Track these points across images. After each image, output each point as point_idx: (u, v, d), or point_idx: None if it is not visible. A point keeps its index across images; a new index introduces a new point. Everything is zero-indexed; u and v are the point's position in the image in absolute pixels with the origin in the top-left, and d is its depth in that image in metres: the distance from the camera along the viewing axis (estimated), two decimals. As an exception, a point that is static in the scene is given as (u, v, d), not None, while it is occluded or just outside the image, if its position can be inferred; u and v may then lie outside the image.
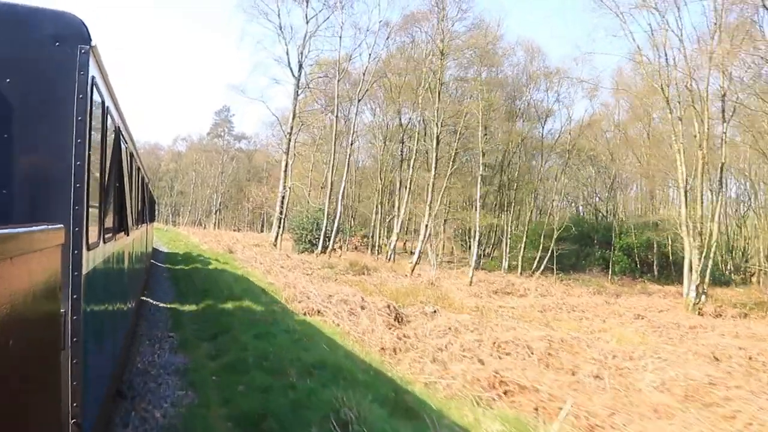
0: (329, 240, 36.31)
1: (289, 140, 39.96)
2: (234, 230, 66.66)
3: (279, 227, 40.51)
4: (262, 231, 71.51)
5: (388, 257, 38.28)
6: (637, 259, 43.80)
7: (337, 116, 34.70)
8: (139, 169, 8.97)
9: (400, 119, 40.34)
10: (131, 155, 6.86)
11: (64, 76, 3.21)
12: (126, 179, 5.82)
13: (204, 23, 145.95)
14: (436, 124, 29.56)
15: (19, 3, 3.28)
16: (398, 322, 13.35)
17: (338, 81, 34.96)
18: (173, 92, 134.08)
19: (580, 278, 39.10)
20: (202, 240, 39.83)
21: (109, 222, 4.56)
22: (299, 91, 40.27)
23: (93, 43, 3.31)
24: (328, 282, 19.94)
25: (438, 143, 30.81)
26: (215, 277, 16.88)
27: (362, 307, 13.46)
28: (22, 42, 3.18)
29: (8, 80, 3.10)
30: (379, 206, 47.82)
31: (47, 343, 2.22)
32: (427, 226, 28.87)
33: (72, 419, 2.95)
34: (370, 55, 37.52)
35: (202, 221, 74.14)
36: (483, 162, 30.06)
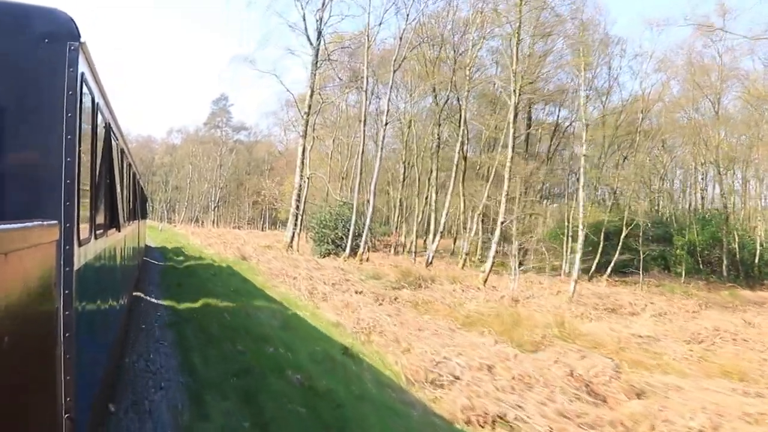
0: (358, 240, 31.28)
1: (307, 121, 35.19)
2: (235, 228, 58.44)
3: (295, 225, 35.28)
4: (266, 229, 63.28)
5: (428, 261, 32.66)
6: (699, 258, 38.31)
7: (366, 91, 26.91)
8: (130, 165, 8.98)
9: (435, 97, 32.41)
10: (122, 151, 6.93)
11: (54, 72, 3.14)
12: (117, 175, 5.79)
13: (202, 23, 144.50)
14: (514, 91, 21.71)
15: (8, 0, 3.20)
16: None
17: (368, 48, 27.08)
18: (168, 84, 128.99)
19: (648, 282, 34.44)
20: (205, 242, 35.26)
21: (100, 218, 4.51)
22: (318, 64, 34.98)
23: (82, 40, 3.24)
24: (402, 308, 15.47)
25: (516, 116, 23.03)
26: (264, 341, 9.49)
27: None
28: (10, 39, 3.11)
29: None
30: (403, 200, 44.43)
31: (42, 339, 2.24)
32: (502, 223, 21.12)
33: (66, 414, 2.86)
34: (408, 15, 31.81)
35: (199, 218, 65.51)
36: (586, 138, 22.33)
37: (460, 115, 34.33)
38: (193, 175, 72.55)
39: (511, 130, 24.64)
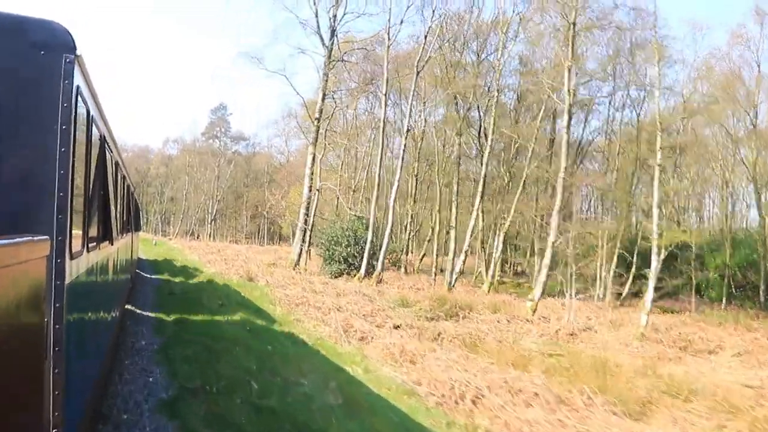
0: (374, 259, 28.69)
1: (318, 127, 32.22)
2: (233, 242, 54.86)
3: (303, 241, 32.36)
4: (265, 244, 59.86)
5: (451, 285, 29.85)
6: (731, 282, 34.46)
7: (386, 94, 23.73)
8: (124, 177, 9.10)
9: (456, 105, 29.17)
10: (116, 164, 6.90)
11: (49, 84, 3.14)
12: (111, 188, 5.78)
13: (199, 29, 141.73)
14: (569, 91, 18.48)
15: (3, 11, 3.22)
16: None
17: (388, 47, 23.93)
18: (164, 93, 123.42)
19: (686, 309, 30.45)
20: (203, 258, 32.52)
21: (93, 231, 4.53)
22: (331, 65, 31.76)
23: (78, 52, 3.26)
24: (456, 348, 12.89)
25: (570, 118, 19.87)
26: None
27: None
28: (6, 50, 3.12)
29: None
30: (414, 216, 43.19)
31: (30, 354, 2.24)
32: (553, 244, 17.79)
33: (54, 429, 2.85)
34: (434, 11, 29.30)
35: (195, 231, 61.84)
36: (661, 145, 19.13)
37: (480, 125, 31.16)
38: (190, 186, 69.05)
39: (565, 137, 21.27)
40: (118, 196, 7.20)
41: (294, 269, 29.95)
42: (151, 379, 6.85)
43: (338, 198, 36.30)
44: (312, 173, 31.08)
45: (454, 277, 29.18)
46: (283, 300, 15.85)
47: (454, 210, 33.34)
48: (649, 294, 20.13)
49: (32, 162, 3.06)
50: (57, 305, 2.94)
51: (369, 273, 27.55)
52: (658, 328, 19.61)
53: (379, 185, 28.90)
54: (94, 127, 4.29)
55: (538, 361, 13.14)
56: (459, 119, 32.71)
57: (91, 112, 4.07)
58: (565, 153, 21.86)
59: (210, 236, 67.47)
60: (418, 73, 27.72)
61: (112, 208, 5.98)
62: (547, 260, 20.99)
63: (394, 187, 27.74)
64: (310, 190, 31.08)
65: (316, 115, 31.32)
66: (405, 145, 29.13)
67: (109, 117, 5.42)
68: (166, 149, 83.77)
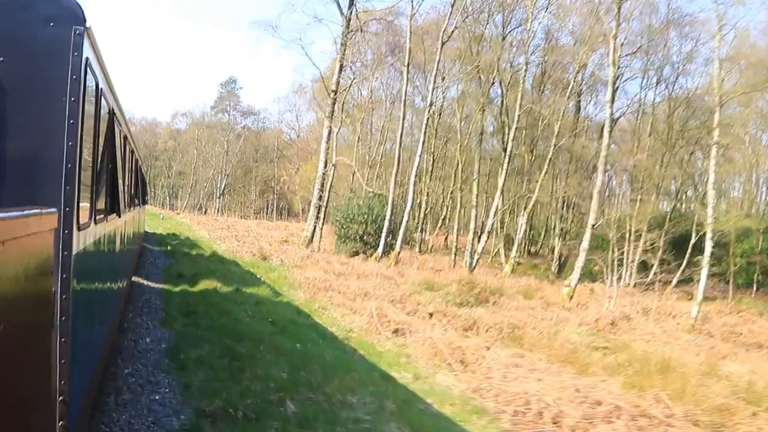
0: (393, 238, 27.39)
1: (335, 100, 30.33)
2: (242, 218, 53.63)
3: (317, 218, 30.64)
4: (275, 219, 58.55)
5: (472, 266, 28.22)
6: (757, 268, 33.23)
7: (408, 66, 22.04)
8: (132, 151, 9.03)
9: (480, 80, 27.48)
10: (125, 137, 6.89)
11: (58, 57, 3.11)
12: (119, 162, 5.85)
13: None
14: (613, 62, 16.84)
15: None
16: None
17: (411, 16, 22.36)
18: (174, 68, 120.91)
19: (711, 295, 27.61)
20: (213, 234, 31.09)
21: (101, 203, 4.54)
22: (349, 35, 29.67)
23: (88, 25, 3.21)
24: (495, 340, 11.48)
25: (615, 91, 18.35)
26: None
27: None
28: (15, 22, 3.09)
29: (1, 59, 3.01)
30: (430, 194, 41.93)
31: (38, 325, 2.26)
32: (593, 227, 16.33)
33: (59, 396, 2.88)
34: None
35: (202, 206, 60.51)
36: (720, 121, 17.52)
37: (502, 102, 29.45)
38: (198, 160, 67.45)
39: (608, 111, 19.56)
40: (126, 169, 7.16)
41: (307, 247, 28.58)
42: (157, 397, 5.37)
43: (354, 174, 34.60)
44: (328, 148, 29.49)
45: (475, 258, 27.66)
46: (303, 284, 14.43)
47: (475, 188, 31.73)
48: (702, 282, 18.70)
49: (41, 134, 3.06)
50: (64, 276, 2.96)
51: (386, 252, 26.10)
52: (705, 319, 18.12)
53: (399, 161, 27.26)
54: (103, 100, 4.24)
55: (593, 359, 11.69)
56: (482, 95, 30.91)
57: (101, 85, 4.03)
58: (608, 130, 20.20)
59: (218, 211, 66.19)
60: (443, 44, 25.91)
61: (120, 181, 5.97)
62: (585, 243, 19.50)
63: (416, 163, 26.27)
64: (326, 166, 29.52)
65: (333, 88, 29.66)
66: (428, 119, 27.41)
67: (118, 89, 5.31)
68: (175, 123, 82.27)
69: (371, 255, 27.82)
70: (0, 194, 2.96)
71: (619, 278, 25.31)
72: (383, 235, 27.31)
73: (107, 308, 5.47)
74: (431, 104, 27.17)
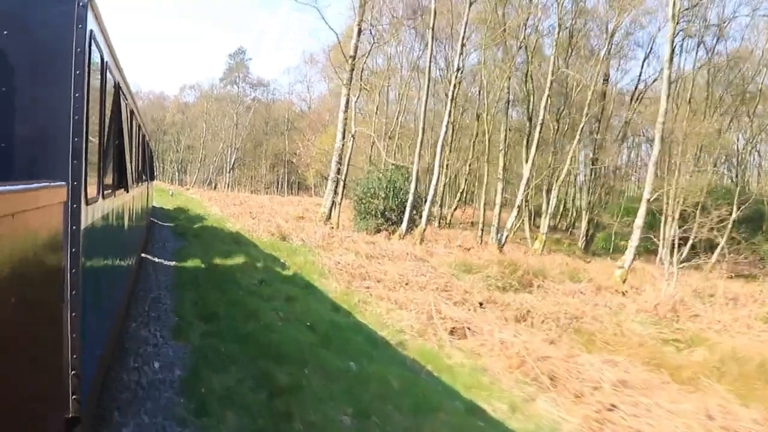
0: (416, 213, 25.65)
1: (353, 66, 27.97)
2: (253, 192, 51.94)
3: (335, 193, 28.67)
4: (286, 194, 56.74)
5: (501, 243, 26.30)
6: None
7: (433, 28, 19.80)
8: (139, 126, 8.96)
9: (506, 45, 25.46)
10: (131, 112, 6.88)
11: (62, 29, 3.08)
12: (126, 136, 5.72)
13: None
14: (673, 17, 14.51)
15: None
16: None
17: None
18: (181, 39, 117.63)
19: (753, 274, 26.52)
20: (225, 210, 29.15)
21: (108, 178, 4.54)
22: None
23: None
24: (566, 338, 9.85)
25: (673, 51, 16.16)
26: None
27: None
28: None
29: (5, 33, 3.00)
30: (449, 165, 38.28)
31: (48, 298, 2.27)
32: (648, 201, 14.28)
33: (72, 371, 2.91)
34: None
35: (212, 181, 58.77)
36: None
37: (528, 69, 27.18)
38: (207, 134, 65.32)
39: (667, 73, 17.30)
40: (133, 144, 7.14)
41: (325, 224, 26.68)
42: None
43: (373, 145, 32.50)
44: (345, 117, 27.41)
45: (504, 234, 25.72)
46: (334, 270, 12.59)
47: (501, 160, 29.60)
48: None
49: (46, 108, 3.04)
50: (73, 250, 2.96)
51: (409, 229, 24.28)
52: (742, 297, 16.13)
53: (424, 130, 25.13)
54: (108, 74, 4.21)
55: (681, 360, 9.88)
56: (510, 59, 28.61)
57: (105, 59, 4.02)
58: (665, 93, 17.98)
59: (228, 186, 64.26)
60: (471, 4, 23.56)
61: (128, 156, 5.93)
62: (640, 220, 17.51)
63: (442, 132, 24.16)
64: (344, 137, 27.46)
65: (351, 53, 27.45)
66: (455, 86, 25.22)
67: (124, 63, 5.28)
68: (183, 96, 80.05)
69: (393, 232, 25.95)
70: (8, 169, 2.95)
71: (682, 259, 23.28)
72: (407, 210, 25.41)
73: (117, 284, 5.48)
74: (458, 69, 24.94)
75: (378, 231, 26.74)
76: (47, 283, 2.14)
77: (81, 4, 3.05)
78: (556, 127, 35.83)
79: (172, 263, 11.85)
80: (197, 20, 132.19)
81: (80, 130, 3.06)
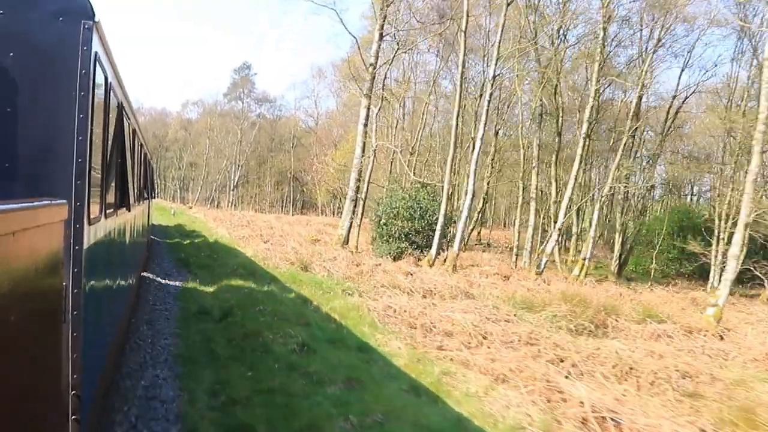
0: (447, 238, 23.52)
1: (373, 75, 25.20)
2: (258, 211, 49.49)
3: (353, 214, 25.73)
4: (293, 213, 54.23)
5: (540, 269, 23.83)
6: None
7: (465, 30, 16.94)
8: (141, 145, 8.93)
9: (537, 52, 22.83)
10: (134, 131, 6.87)
11: (68, 51, 3.14)
12: (128, 155, 5.81)
13: None
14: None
15: None
16: None
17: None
18: (184, 54, 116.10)
19: None
20: (233, 232, 26.30)
21: (110, 197, 4.59)
22: None
23: (97, 19, 3.26)
24: None
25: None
26: None
27: None
28: (25, 16, 3.13)
29: (12, 54, 3.07)
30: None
31: (48, 318, 2.27)
32: (747, 226, 11.43)
33: (72, 391, 2.89)
34: None
35: (215, 199, 56.13)
36: None
37: (557, 82, 24.53)
38: (210, 151, 62.50)
39: (767, 73, 14.45)
40: (135, 163, 7.11)
41: (343, 247, 23.80)
42: None
43: (393, 161, 29.66)
44: (366, 131, 24.63)
45: (545, 260, 22.82)
46: (386, 318, 9.58)
47: (534, 178, 26.78)
48: None
49: (51, 128, 3.09)
50: (75, 270, 2.99)
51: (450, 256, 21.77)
52: None
53: (456, 144, 22.33)
54: (112, 94, 4.29)
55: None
56: (541, 70, 25.93)
57: (109, 79, 4.08)
58: (766, 96, 15.09)
59: (232, 204, 61.48)
60: (508, 4, 20.91)
61: (130, 175, 5.96)
62: (736, 248, 14.59)
63: (477, 145, 21.41)
64: (363, 152, 24.67)
65: (371, 60, 24.88)
66: (491, 94, 22.45)
67: (125, 79, 5.26)
68: (186, 113, 77.67)
69: (420, 257, 23.15)
70: (11, 188, 2.99)
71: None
72: (437, 233, 22.58)
73: (117, 303, 5.47)
74: (495, 76, 22.18)
75: (400, 256, 23.93)
76: (48, 302, 2.13)
77: (86, 26, 3.12)
78: (586, 143, 33.17)
79: (176, 311, 8.95)
80: (198, 23, 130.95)
81: (84, 150, 3.11)
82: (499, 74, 22.77)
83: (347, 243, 25.50)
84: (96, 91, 3.34)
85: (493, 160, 35.94)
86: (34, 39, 3.01)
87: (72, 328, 2.85)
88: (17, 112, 2.99)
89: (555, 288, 18.77)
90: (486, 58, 32.19)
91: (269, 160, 69.61)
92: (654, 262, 32.67)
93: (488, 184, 38.52)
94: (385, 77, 27.06)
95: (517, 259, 26.69)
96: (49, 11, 3.05)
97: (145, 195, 11.26)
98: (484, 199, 40.34)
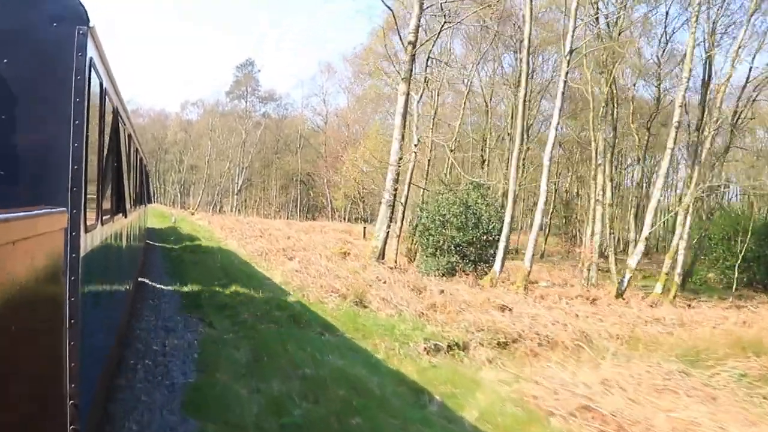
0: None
1: (413, 56, 20.88)
2: (265, 216, 45.33)
3: (390, 221, 20.87)
4: (303, 218, 50.15)
5: (621, 290, 18.83)
6: None
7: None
8: (137, 150, 8.81)
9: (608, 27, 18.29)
10: (129, 136, 6.78)
11: (63, 57, 3.09)
12: (124, 161, 5.73)
13: None
14: None
15: None
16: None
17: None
18: (182, 40, 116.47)
19: None
20: (248, 246, 20.92)
21: (107, 204, 4.54)
22: None
23: (91, 24, 3.22)
24: None
25: None
26: None
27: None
28: (20, 22, 3.09)
29: (6, 60, 3.02)
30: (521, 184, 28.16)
31: (48, 326, 2.24)
32: None
33: (70, 400, 2.77)
34: None
35: (217, 204, 51.57)
36: None
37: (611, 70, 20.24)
38: (212, 153, 57.93)
39: None
40: (131, 168, 7.09)
41: (379, 261, 20.52)
42: None
43: (429, 162, 24.95)
44: (404, 122, 20.21)
45: (627, 277, 18.36)
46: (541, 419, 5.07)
47: (600, 177, 22.25)
48: None
49: (46, 135, 3.03)
50: (72, 278, 2.93)
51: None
52: None
53: (525, 137, 17.82)
54: (107, 100, 4.24)
55: None
56: (614, 40, 21.33)
57: (104, 85, 4.03)
58: None
59: (236, 209, 56.92)
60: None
61: (126, 181, 5.92)
62: None
63: (551, 136, 16.85)
64: (401, 146, 20.34)
65: (410, 38, 20.38)
66: (567, 73, 17.91)
67: (124, 79, 5.79)
68: (186, 113, 73.18)
69: (473, 274, 18.86)
70: (7, 196, 2.93)
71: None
72: (502, 244, 18.07)
73: (115, 310, 5.45)
74: (571, 51, 17.64)
75: (452, 272, 19.42)
76: (47, 310, 2.09)
77: (81, 32, 3.07)
78: (643, 140, 28.67)
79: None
80: (198, 23, 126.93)
81: (80, 157, 3.07)
82: (576, 48, 18.24)
83: (383, 257, 20.98)
84: (91, 96, 3.33)
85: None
86: (29, 44, 3.00)
87: (70, 337, 2.78)
88: (12, 118, 2.94)
89: (667, 314, 14.37)
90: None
91: (275, 161, 65.77)
92: (711, 270, 28.38)
93: (519, 185, 34.07)
94: (429, 57, 22.38)
95: (588, 275, 22.02)
96: (44, 16, 3.01)
97: (141, 200, 11.21)
98: (524, 199, 35.99)
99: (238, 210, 61.38)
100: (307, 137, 64.90)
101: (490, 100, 35.74)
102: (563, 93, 19.02)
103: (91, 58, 3.20)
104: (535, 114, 33.83)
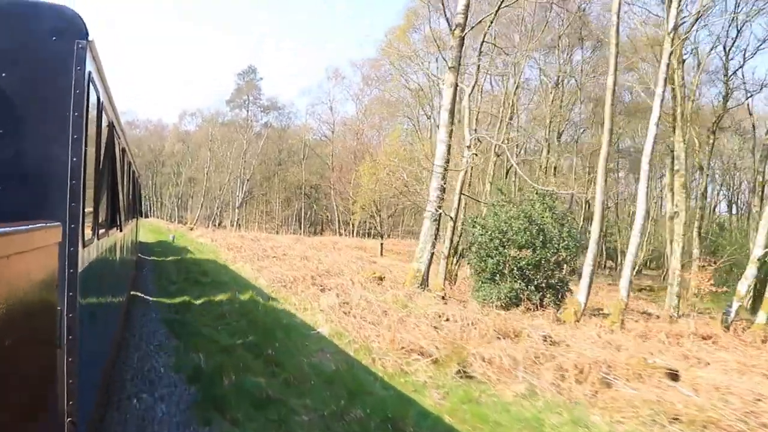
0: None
1: (462, 39, 16.82)
2: (269, 231, 41.91)
3: (434, 238, 16.91)
4: (302, 233, 46.56)
5: (727, 324, 14.22)
6: None
7: None
8: (130, 164, 8.69)
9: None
10: (123, 150, 6.70)
11: (62, 71, 3.05)
12: (119, 175, 5.70)
13: None
14: None
15: None
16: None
17: None
18: (181, 40, 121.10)
19: None
20: (261, 269, 17.22)
21: (103, 218, 4.49)
22: None
23: (90, 38, 3.19)
24: None
25: None
26: None
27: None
28: (19, 36, 3.06)
29: (4, 74, 2.99)
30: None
31: (44, 341, 2.21)
32: None
33: (68, 418, 2.75)
34: None
35: (216, 218, 47.58)
36: None
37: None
38: (211, 164, 54.17)
39: None
40: (125, 182, 7.05)
41: (423, 288, 16.25)
42: None
43: (472, 167, 21.06)
44: (451, 119, 16.44)
45: (735, 306, 14.65)
46: None
47: (678, 185, 18.44)
48: None
49: (45, 149, 3.00)
50: (70, 294, 2.90)
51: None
52: None
53: (611, 129, 13.95)
54: (104, 114, 4.20)
55: None
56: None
57: (101, 99, 3.98)
58: None
59: (237, 224, 53.24)
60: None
61: (120, 194, 5.83)
62: None
63: (651, 134, 13.07)
64: (448, 147, 16.58)
65: (459, 19, 17.44)
66: (671, 53, 14.11)
67: (122, 85, 6.20)
68: (184, 124, 69.65)
69: (547, 306, 15.09)
70: (4, 211, 2.90)
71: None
72: (587, 268, 14.27)
73: (110, 323, 5.45)
74: (676, 27, 13.82)
75: (516, 302, 15.45)
76: (43, 326, 2.05)
77: (80, 46, 3.05)
78: (705, 145, 24.96)
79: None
80: (198, 23, 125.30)
81: (78, 172, 3.04)
82: (684, 21, 14.44)
83: (427, 282, 17.02)
84: (89, 111, 3.31)
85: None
86: (27, 59, 2.97)
87: (67, 354, 2.76)
88: (10, 133, 2.90)
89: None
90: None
91: (277, 173, 63.34)
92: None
93: (685, 189, 30.06)
94: (483, 40, 18.40)
95: (677, 305, 18.06)
96: (42, 30, 2.99)
97: (134, 213, 10.96)
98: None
99: (239, 225, 59.20)
100: (312, 147, 62.36)
101: (562, 95, 32.05)
102: (665, 78, 14.67)
103: (89, 72, 3.20)
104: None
